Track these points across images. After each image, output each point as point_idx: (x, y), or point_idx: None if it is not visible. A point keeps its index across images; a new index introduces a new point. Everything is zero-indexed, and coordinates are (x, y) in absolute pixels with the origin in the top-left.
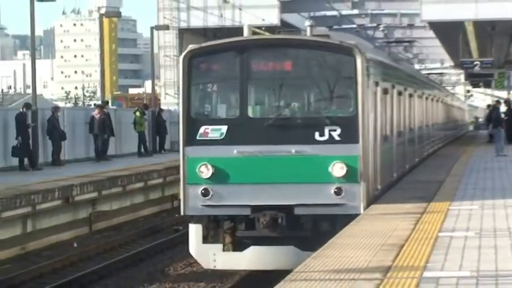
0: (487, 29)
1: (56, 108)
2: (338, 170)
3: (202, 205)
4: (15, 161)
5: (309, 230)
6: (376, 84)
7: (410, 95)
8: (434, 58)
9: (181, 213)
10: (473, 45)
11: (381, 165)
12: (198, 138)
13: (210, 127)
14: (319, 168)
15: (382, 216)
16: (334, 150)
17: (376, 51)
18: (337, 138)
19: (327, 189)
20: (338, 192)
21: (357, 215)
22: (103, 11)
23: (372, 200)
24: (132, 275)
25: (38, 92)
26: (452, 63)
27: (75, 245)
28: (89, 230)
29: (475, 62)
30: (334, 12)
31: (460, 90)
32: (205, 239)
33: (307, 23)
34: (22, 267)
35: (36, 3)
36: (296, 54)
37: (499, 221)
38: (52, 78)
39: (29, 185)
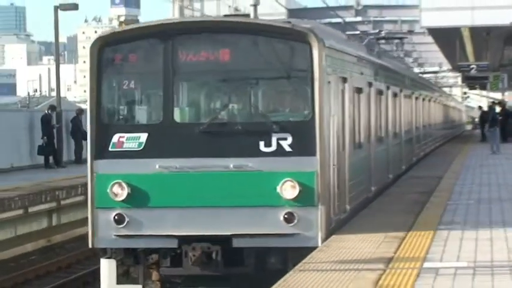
0: (483, 35)
1: (80, 111)
2: (289, 190)
3: (115, 235)
4: (40, 159)
5: (252, 267)
6: (344, 80)
7: (395, 95)
8: (433, 62)
9: (89, 246)
10: (469, 49)
11: (351, 180)
12: (110, 149)
13: (126, 135)
14: (264, 187)
15: (383, 210)
16: (284, 164)
17: (346, 41)
18: (288, 149)
19: (275, 214)
20: (289, 218)
21: (314, 248)
22: (122, 18)
23: (335, 227)
24: None
25: (62, 95)
26: (450, 67)
27: None
28: None
29: (472, 66)
30: (339, 20)
31: (457, 91)
32: (121, 278)
33: (252, 1)
34: (47, 258)
35: (60, 12)
36: (235, 41)
37: (495, 214)
38: (75, 82)
39: (53, 181)
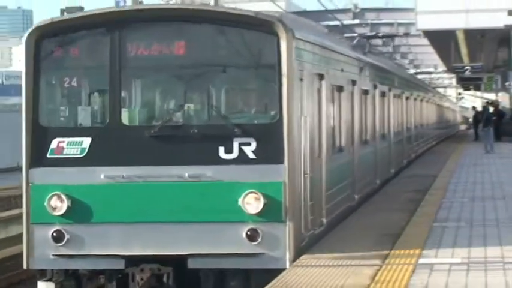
0: (477, 37)
1: None
2: (252, 203)
3: (54, 255)
4: None
5: None
6: (320, 77)
7: (383, 94)
8: (429, 64)
9: (24, 267)
10: (464, 51)
11: (328, 189)
12: (48, 156)
13: (67, 140)
14: (224, 200)
15: (379, 209)
16: (246, 174)
17: (325, 35)
18: (251, 156)
19: (236, 231)
20: (252, 236)
21: (281, 270)
22: None
23: (307, 244)
24: None
25: None
26: (445, 68)
27: None
28: None
29: (466, 67)
30: (337, 22)
31: (452, 92)
32: None
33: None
34: None
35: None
36: (192, 31)
37: (488, 212)
38: None
39: None
